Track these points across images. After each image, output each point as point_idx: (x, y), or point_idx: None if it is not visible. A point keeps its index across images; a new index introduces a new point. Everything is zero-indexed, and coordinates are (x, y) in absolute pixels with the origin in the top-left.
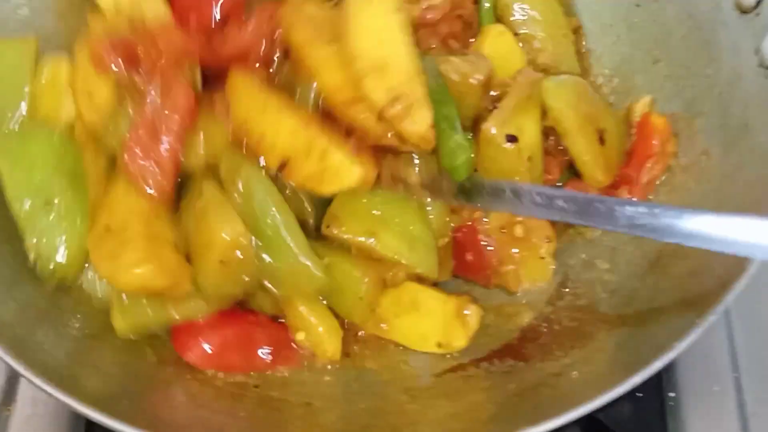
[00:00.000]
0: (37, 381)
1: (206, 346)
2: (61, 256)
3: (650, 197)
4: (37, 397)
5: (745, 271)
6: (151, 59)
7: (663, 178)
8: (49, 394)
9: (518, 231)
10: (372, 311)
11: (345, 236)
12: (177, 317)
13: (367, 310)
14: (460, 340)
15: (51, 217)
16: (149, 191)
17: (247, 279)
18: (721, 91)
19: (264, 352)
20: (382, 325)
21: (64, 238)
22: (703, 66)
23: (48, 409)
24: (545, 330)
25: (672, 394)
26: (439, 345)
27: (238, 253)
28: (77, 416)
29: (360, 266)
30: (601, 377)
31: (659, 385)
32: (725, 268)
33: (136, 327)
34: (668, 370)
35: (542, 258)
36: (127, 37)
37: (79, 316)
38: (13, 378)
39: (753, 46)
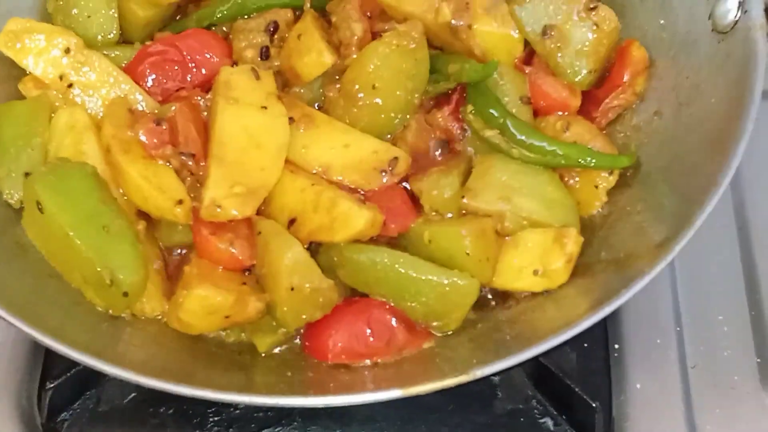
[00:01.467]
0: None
1: (340, 344)
2: (132, 275)
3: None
4: None
5: (691, 225)
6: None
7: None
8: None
9: None
10: (492, 265)
11: (481, 205)
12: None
13: (482, 266)
14: (557, 263)
15: (112, 241)
16: (229, 248)
17: (323, 300)
18: (675, 53)
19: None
20: None
21: (130, 257)
22: (659, 29)
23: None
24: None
25: (617, 346)
26: (536, 272)
27: (304, 276)
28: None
29: (455, 223)
30: (554, 321)
31: (605, 336)
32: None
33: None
34: (614, 322)
35: (596, 187)
36: (155, 117)
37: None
38: None
39: (707, 11)
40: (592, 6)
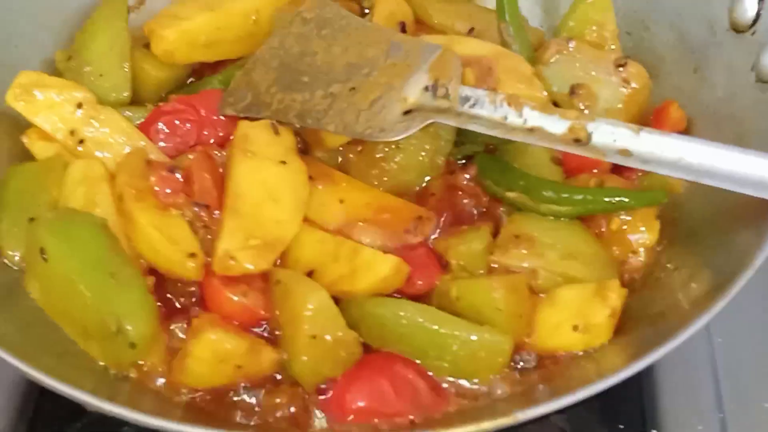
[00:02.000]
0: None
1: (360, 402)
2: (141, 324)
3: None
4: None
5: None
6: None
7: None
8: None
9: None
10: (525, 322)
11: (512, 262)
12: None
13: (515, 323)
14: (599, 317)
15: (120, 289)
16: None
17: (345, 355)
18: (715, 110)
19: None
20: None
21: (139, 305)
22: (696, 87)
23: None
24: None
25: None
26: (575, 328)
27: (327, 324)
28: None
29: (485, 277)
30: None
31: (642, 419)
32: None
33: None
34: (651, 404)
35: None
36: (169, 165)
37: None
38: None
39: (749, 63)
40: (621, 63)
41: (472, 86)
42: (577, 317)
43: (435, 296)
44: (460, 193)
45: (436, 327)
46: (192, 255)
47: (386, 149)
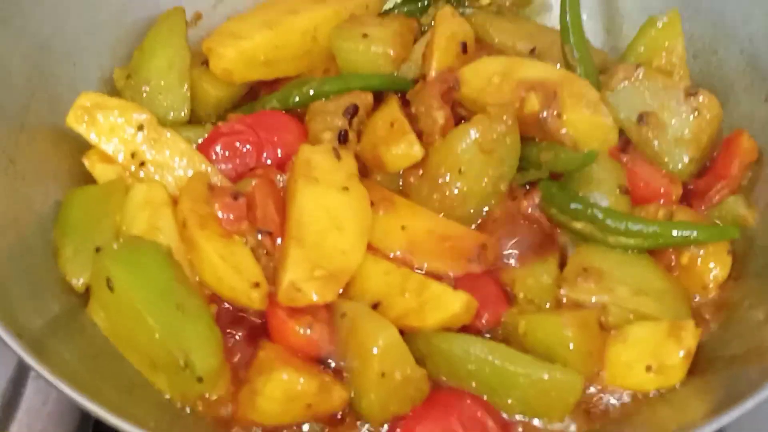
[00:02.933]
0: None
1: None
2: (208, 358)
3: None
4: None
5: None
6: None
7: None
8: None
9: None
10: (596, 360)
11: (580, 296)
12: None
13: (586, 360)
14: (673, 358)
15: (187, 321)
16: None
17: (414, 392)
18: None
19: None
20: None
21: (206, 339)
22: (766, 114)
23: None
24: None
25: None
26: (649, 369)
27: (397, 361)
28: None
29: (555, 313)
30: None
31: None
32: None
33: None
34: None
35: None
36: (232, 191)
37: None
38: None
39: None
40: (692, 92)
41: (536, 111)
42: (650, 357)
43: (501, 330)
44: (524, 221)
45: (506, 364)
46: (256, 284)
47: (448, 174)
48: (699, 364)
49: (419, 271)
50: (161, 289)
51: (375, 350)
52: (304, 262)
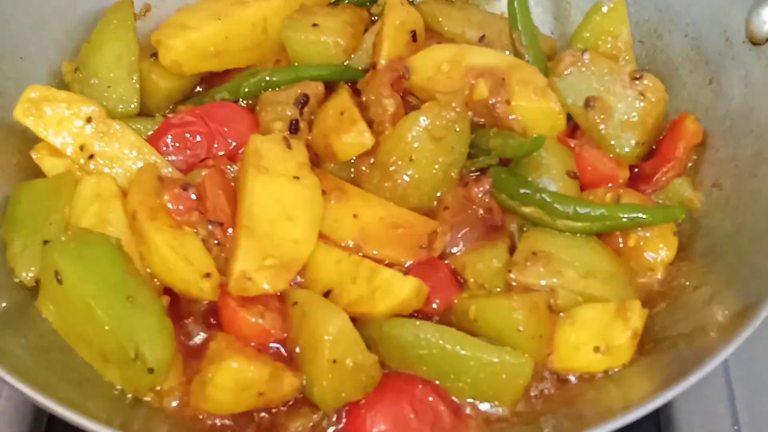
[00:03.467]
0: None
1: (382, 426)
2: (159, 349)
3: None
4: None
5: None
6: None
7: None
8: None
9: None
10: (545, 342)
11: (529, 280)
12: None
13: (535, 343)
14: (620, 338)
15: (137, 313)
16: (259, 321)
17: (366, 379)
18: (732, 123)
19: (447, 414)
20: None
21: (156, 330)
22: (712, 100)
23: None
24: None
25: None
26: (597, 350)
27: (348, 348)
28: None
29: (504, 296)
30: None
31: None
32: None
33: None
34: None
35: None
36: (182, 182)
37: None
38: None
39: (766, 76)
40: (637, 75)
41: (485, 98)
42: (598, 338)
43: (453, 315)
44: (474, 206)
45: (456, 348)
46: (207, 275)
47: (399, 162)
48: (645, 344)
49: (372, 258)
50: (111, 281)
51: (326, 337)
52: (254, 251)
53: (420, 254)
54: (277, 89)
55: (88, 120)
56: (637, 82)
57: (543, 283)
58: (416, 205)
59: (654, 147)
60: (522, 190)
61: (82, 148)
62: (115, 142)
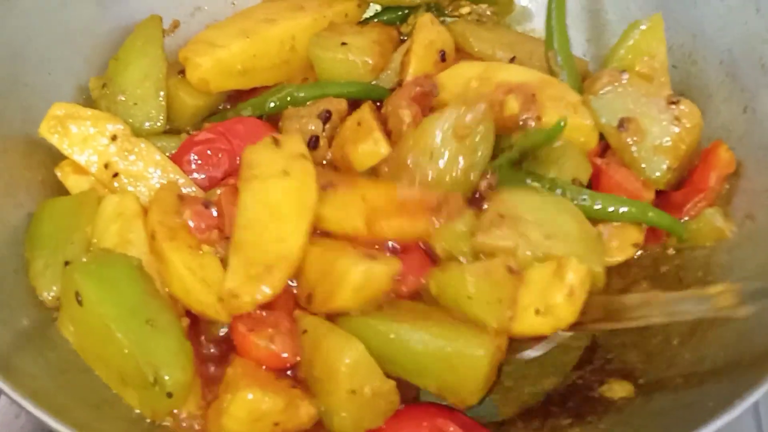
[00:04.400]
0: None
1: None
2: (178, 373)
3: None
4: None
5: None
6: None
7: None
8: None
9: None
10: (505, 308)
11: (493, 242)
12: None
13: (492, 309)
14: (557, 297)
15: (157, 337)
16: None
17: (385, 404)
18: (766, 152)
19: None
20: None
21: (176, 354)
22: (746, 129)
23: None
24: (574, 394)
25: None
26: (538, 312)
27: (365, 376)
28: None
29: (457, 267)
30: None
31: None
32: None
33: None
34: None
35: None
36: (203, 200)
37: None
38: None
39: None
40: (674, 100)
41: (515, 113)
42: (538, 299)
43: (424, 294)
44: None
45: (410, 342)
46: (222, 298)
47: (419, 158)
48: (677, 378)
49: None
50: (131, 303)
51: (342, 368)
52: (241, 266)
53: (433, 223)
54: (301, 106)
55: (113, 138)
56: (673, 106)
57: (505, 244)
58: None
59: (686, 175)
60: (528, 181)
61: (106, 166)
62: (140, 161)
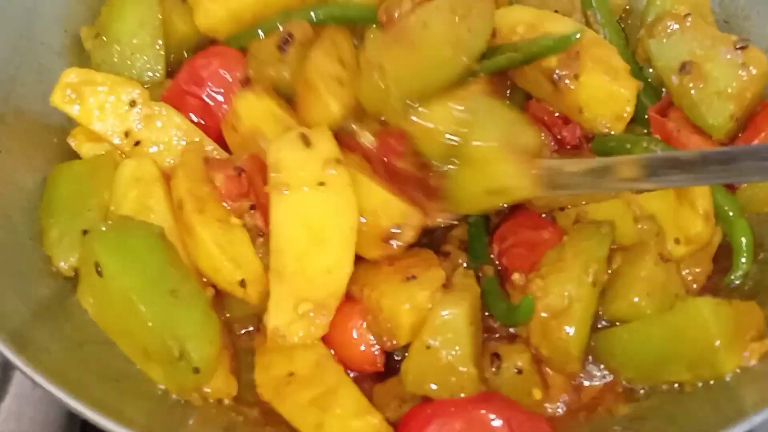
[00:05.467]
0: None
1: None
2: (205, 347)
3: None
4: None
5: None
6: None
7: None
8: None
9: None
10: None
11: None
12: None
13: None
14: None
15: (181, 308)
16: None
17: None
18: None
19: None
20: None
21: (201, 326)
22: None
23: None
24: None
25: None
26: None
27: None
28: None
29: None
30: None
31: None
32: None
33: None
34: None
35: None
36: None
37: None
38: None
39: None
40: (742, 45)
41: (552, 67)
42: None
43: None
44: None
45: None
46: (253, 281)
47: (413, 26)
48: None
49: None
50: (153, 274)
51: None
52: (285, 299)
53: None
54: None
55: (132, 104)
56: (740, 51)
57: None
58: (417, 82)
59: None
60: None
61: (127, 134)
62: (162, 126)
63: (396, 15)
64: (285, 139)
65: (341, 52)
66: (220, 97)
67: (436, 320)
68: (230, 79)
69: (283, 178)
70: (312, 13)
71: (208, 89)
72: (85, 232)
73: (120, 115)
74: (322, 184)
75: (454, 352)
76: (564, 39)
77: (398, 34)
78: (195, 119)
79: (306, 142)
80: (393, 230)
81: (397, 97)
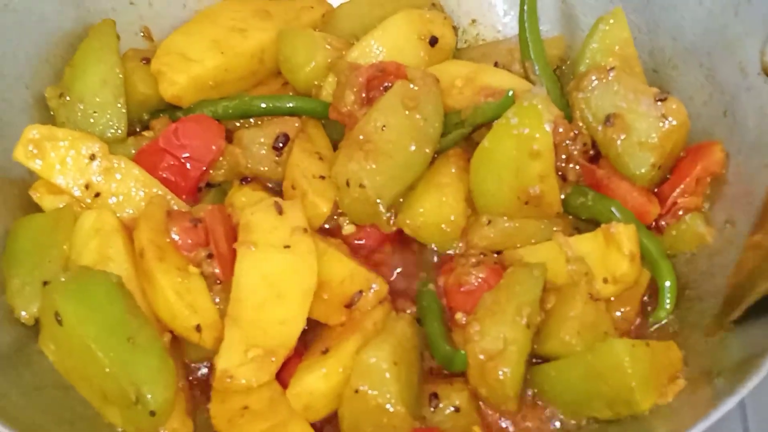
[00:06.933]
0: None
1: None
2: (161, 391)
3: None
4: None
5: None
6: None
7: None
8: None
9: None
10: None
11: None
12: None
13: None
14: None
15: (138, 354)
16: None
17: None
18: (747, 157)
19: None
20: None
21: (158, 372)
22: (727, 132)
23: None
24: None
25: None
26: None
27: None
28: None
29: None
30: None
31: None
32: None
33: None
34: None
35: None
36: (191, 217)
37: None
38: None
39: None
40: (662, 97)
41: None
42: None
43: None
44: None
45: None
46: (208, 326)
47: (371, 131)
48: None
49: None
50: (111, 322)
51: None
52: (237, 344)
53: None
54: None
55: (92, 158)
56: (661, 103)
57: None
58: (396, 186)
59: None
60: None
61: (87, 187)
62: (121, 179)
63: (344, 111)
64: (260, 205)
65: (318, 148)
66: (196, 162)
67: (361, 365)
68: (214, 148)
69: (253, 237)
70: (263, 104)
71: (187, 152)
72: (45, 282)
73: (80, 168)
74: (287, 247)
75: (381, 394)
76: (505, 101)
77: (364, 145)
78: (167, 176)
79: (279, 210)
80: (355, 296)
81: (384, 205)
